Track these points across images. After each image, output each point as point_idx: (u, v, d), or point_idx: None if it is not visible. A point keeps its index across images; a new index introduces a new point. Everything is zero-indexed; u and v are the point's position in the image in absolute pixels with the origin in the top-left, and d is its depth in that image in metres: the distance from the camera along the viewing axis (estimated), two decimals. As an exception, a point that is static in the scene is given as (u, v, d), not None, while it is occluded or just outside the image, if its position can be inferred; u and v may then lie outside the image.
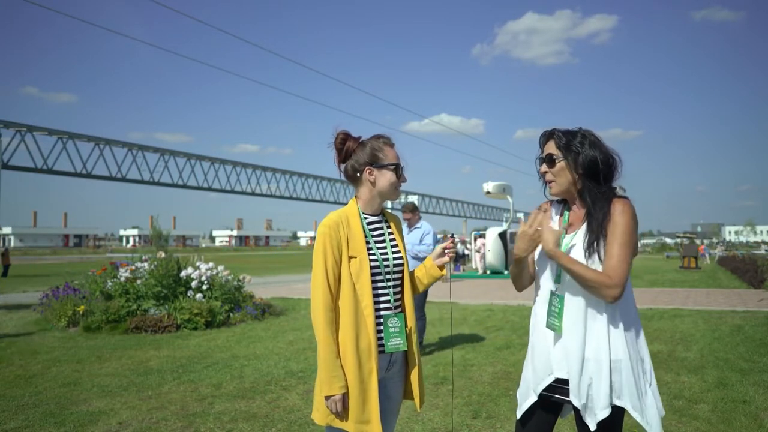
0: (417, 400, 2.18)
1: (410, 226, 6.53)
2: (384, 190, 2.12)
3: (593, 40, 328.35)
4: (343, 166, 2.17)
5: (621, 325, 1.87)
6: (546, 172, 1.99)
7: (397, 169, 2.12)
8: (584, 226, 1.94)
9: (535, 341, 2.02)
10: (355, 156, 2.12)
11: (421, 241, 6.39)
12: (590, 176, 1.92)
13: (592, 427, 1.85)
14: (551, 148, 1.98)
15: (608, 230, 1.88)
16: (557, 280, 1.96)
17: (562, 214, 2.06)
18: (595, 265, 1.87)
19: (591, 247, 1.88)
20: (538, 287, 2.07)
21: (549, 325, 1.95)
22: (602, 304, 1.87)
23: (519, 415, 2.04)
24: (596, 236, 1.88)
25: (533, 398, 1.99)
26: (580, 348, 1.87)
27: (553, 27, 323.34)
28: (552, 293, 1.96)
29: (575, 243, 1.94)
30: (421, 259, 6.08)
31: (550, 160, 1.97)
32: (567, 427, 3.85)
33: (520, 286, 2.18)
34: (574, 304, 1.90)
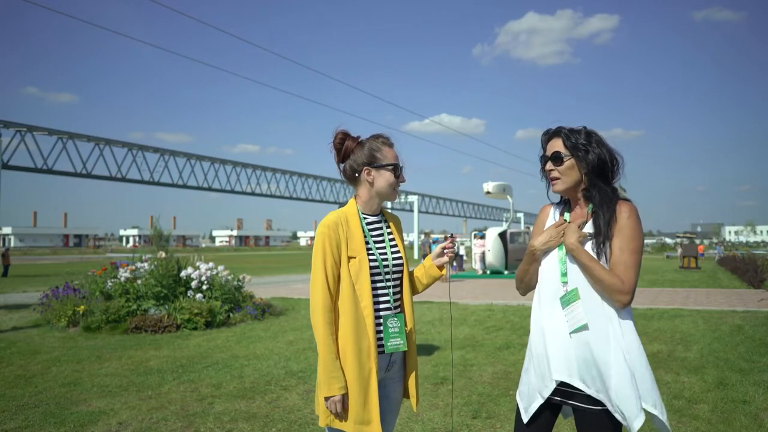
0: (413, 400, 2.18)
1: None
2: (382, 190, 2.12)
3: (594, 40, 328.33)
4: (341, 166, 2.17)
5: (629, 325, 1.87)
6: (551, 170, 1.98)
7: (396, 169, 2.11)
8: (590, 225, 1.93)
9: (534, 342, 2.01)
10: (354, 156, 2.12)
11: None
12: (597, 175, 1.93)
13: None
14: (558, 145, 1.97)
15: (615, 234, 1.88)
16: (563, 278, 1.94)
17: (562, 214, 2.06)
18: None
19: (600, 249, 1.88)
20: (539, 289, 2.04)
21: (576, 330, 1.88)
22: (612, 307, 1.86)
23: (525, 418, 2.01)
24: (604, 237, 1.88)
25: (539, 401, 1.96)
26: (593, 351, 1.85)
27: (554, 27, 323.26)
28: (566, 295, 1.92)
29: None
30: None
31: (557, 158, 1.96)
32: (567, 427, 3.85)
33: (525, 288, 2.13)
34: (587, 307, 1.88)
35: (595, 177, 1.93)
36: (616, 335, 1.85)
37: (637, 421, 1.77)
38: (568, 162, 1.95)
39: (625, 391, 1.79)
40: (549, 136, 2.02)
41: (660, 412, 1.82)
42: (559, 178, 1.97)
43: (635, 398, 1.79)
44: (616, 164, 1.96)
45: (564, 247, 1.95)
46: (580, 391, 1.89)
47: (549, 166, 1.98)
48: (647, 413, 1.81)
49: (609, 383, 1.82)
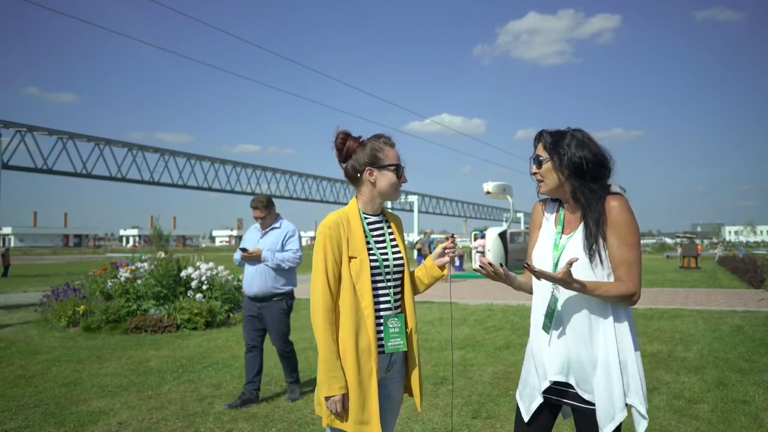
0: (417, 399, 2.18)
1: (264, 227, 4.85)
2: (384, 190, 2.12)
3: (596, 40, 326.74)
4: (343, 166, 2.17)
5: (624, 322, 1.87)
6: (535, 172, 2.01)
7: (398, 169, 2.12)
8: (581, 228, 1.93)
9: (533, 342, 2.02)
10: (356, 156, 2.12)
11: (283, 246, 4.74)
12: (577, 176, 1.92)
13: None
14: (539, 149, 2.01)
15: (609, 230, 1.88)
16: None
17: (558, 211, 2.06)
18: (598, 267, 1.87)
19: (592, 250, 1.88)
20: (535, 289, 2.05)
21: (544, 327, 1.95)
22: (606, 305, 1.87)
23: (525, 417, 2.01)
24: (595, 238, 1.88)
25: (538, 400, 1.97)
26: (589, 352, 1.86)
27: (555, 27, 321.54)
28: (552, 295, 1.95)
29: (572, 245, 1.93)
30: (285, 270, 4.71)
31: (536, 161, 2.00)
32: (567, 427, 3.85)
33: (529, 291, 2.15)
34: (576, 307, 1.89)
35: (576, 178, 1.92)
36: (612, 336, 1.85)
37: (616, 419, 1.82)
38: (546, 165, 1.97)
39: (608, 388, 1.82)
40: (536, 138, 2.05)
41: (644, 412, 1.84)
42: (542, 181, 2.00)
43: (619, 395, 1.82)
44: (604, 163, 1.94)
45: (559, 249, 1.96)
46: (575, 390, 1.91)
47: (533, 168, 2.02)
48: (629, 407, 1.86)
49: (598, 382, 1.84)
